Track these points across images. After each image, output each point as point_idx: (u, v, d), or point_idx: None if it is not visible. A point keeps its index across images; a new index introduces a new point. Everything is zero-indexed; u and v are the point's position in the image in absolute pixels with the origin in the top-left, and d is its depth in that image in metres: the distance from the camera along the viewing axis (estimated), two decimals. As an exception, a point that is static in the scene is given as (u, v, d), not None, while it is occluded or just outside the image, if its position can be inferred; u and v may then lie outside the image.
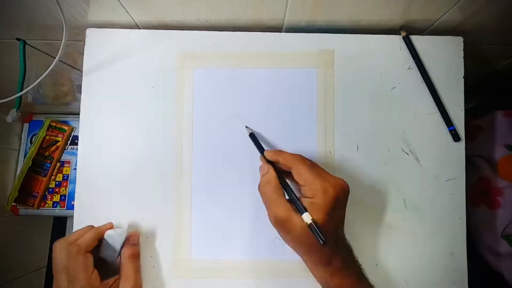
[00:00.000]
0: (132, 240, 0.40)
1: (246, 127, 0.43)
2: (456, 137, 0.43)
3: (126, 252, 0.39)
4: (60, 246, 0.37)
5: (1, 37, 0.47)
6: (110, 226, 0.40)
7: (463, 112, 0.44)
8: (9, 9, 0.42)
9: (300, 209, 0.33)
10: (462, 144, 0.43)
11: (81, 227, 0.41)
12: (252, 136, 0.41)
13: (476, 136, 0.58)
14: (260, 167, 0.38)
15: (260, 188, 0.37)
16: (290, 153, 0.37)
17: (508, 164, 0.53)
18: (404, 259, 0.42)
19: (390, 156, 0.43)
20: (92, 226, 0.40)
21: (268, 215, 0.35)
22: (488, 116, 0.57)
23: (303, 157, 0.37)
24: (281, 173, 0.37)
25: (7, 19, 0.44)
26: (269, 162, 0.38)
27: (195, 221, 0.42)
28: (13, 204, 0.81)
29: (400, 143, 0.44)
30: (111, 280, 0.38)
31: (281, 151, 0.38)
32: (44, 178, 0.82)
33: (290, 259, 0.42)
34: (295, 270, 0.41)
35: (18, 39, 0.46)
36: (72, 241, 0.37)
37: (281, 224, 0.34)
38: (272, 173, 0.36)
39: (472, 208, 0.56)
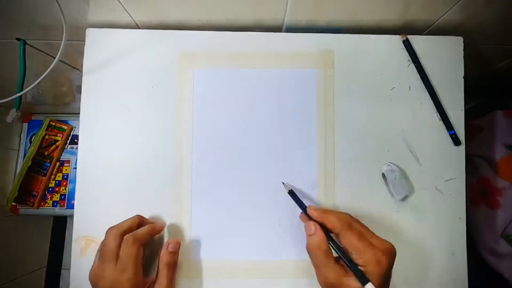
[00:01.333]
0: (172, 247, 0.38)
1: (283, 183, 0.42)
2: (456, 141, 0.43)
3: (164, 258, 0.38)
4: (114, 234, 0.36)
5: (1, 37, 0.47)
6: (162, 226, 0.40)
7: (463, 112, 0.44)
8: (9, 9, 0.41)
9: (362, 279, 0.32)
10: (462, 145, 0.43)
11: (81, 227, 0.42)
12: (292, 193, 0.40)
13: (476, 136, 0.58)
14: (305, 226, 0.36)
15: (308, 250, 0.35)
16: (337, 216, 0.35)
17: (508, 164, 0.53)
18: (404, 259, 0.42)
19: (390, 156, 0.43)
20: (140, 216, 0.40)
21: (317, 276, 0.34)
22: (488, 116, 0.57)
23: (350, 219, 0.35)
24: (328, 233, 0.35)
25: (7, 19, 0.44)
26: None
27: (195, 221, 0.42)
28: (13, 203, 0.81)
29: (400, 143, 0.44)
30: (149, 280, 0.37)
31: (326, 211, 0.36)
32: (44, 178, 0.82)
33: (291, 259, 0.42)
34: (295, 270, 0.41)
35: (18, 39, 0.46)
36: (127, 229, 0.37)
37: (328, 287, 0.33)
38: (320, 235, 0.35)
39: (472, 208, 0.56)
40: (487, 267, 0.54)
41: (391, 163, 0.42)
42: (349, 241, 0.33)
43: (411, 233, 0.43)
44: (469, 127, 0.47)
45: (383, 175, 0.42)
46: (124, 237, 0.36)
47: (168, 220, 0.42)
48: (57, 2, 0.36)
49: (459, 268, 0.42)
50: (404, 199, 0.42)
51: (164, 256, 0.38)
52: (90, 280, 0.36)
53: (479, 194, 0.56)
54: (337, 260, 0.34)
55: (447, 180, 0.43)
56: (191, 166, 0.43)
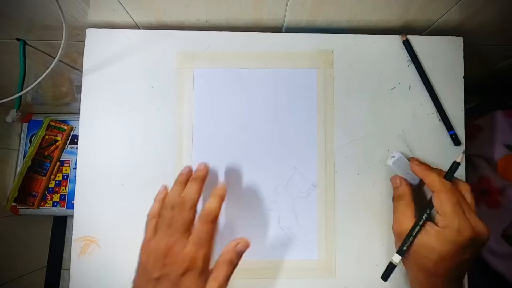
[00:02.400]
0: (241, 248, 0.35)
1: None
2: (456, 141, 0.43)
3: (228, 255, 0.34)
4: (189, 206, 0.35)
5: (1, 37, 0.47)
6: (225, 190, 0.37)
7: (463, 112, 0.44)
8: (9, 9, 0.41)
9: (401, 251, 0.35)
10: (462, 145, 0.43)
11: (81, 227, 0.41)
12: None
13: (476, 136, 0.58)
14: (391, 178, 0.41)
15: (393, 198, 0.40)
16: (439, 178, 0.36)
17: (508, 164, 0.53)
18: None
19: (400, 152, 0.43)
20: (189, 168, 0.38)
21: (393, 222, 0.38)
22: (488, 116, 0.57)
23: (456, 189, 0.36)
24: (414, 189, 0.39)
25: (7, 19, 0.44)
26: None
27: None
28: (13, 203, 0.81)
29: (400, 143, 0.44)
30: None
31: (429, 168, 0.38)
32: (43, 178, 0.82)
33: (291, 259, 0.42)
34: (295, 270, 0.41)
35: (18, 39, 0.46)
36: (197, 199, 0.35)
37: (399, 236, 0.36)
38: (405, 187, 0.39)
39: (472, 208, 0.56)
40: (487, 267, 0.54)
41: (393, 154, 0.42)
42: (441, 202, 0.34)
43: (411, 233, 0.42)
44: (469, 127, 0.47)
45: (390, 167, 0.42)
46: (202, 213, 0.35)
47: (168, 220, 0.42)
48: (57, 2, 0.36)
49: (459, 268, 0.42)
50: (420, 182, 0.41)
51: (228, 253, 0.35)
52: (145, 252, 0.34)
53: (479, 194, 0.56)
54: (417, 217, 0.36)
55: (447, 180, 0.43)
56: (191, 166, 0.43)
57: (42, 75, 0.40)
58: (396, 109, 0.44)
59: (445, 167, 0.43)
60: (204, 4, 0.41)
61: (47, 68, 0.39)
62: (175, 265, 0.32)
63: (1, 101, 0.40)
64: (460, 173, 0.43)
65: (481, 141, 0.57)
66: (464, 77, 0.44)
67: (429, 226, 0.35)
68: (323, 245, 0.42)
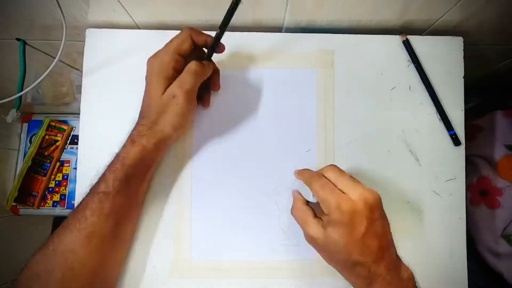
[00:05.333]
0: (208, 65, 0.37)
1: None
2: (456, 141, 0.43)
3: (192, 66, 0.35)
4: (165, 51, 0.36)
5: (1, 37, 0.47)
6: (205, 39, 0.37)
7: (463, 112, 0.44)
8: (9, 9, 0.41)
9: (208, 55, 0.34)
10: (462, 145, 0.43)
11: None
12: None
13: (476, 136, 0.58)
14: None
15: (292, 215, 0.38)
16: (311, 171, 0.37)
17: (508, 164, 0.53)
18: (404, 259, 0.42)
19: (390, 156, 0.43)
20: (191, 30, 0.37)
21: (304, 236, 0.36)
22: (488, 116, 0.57)
23: (326, 169, 0.35)
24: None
25: (7, 19, 0.44)
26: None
27: (195, 221, 0.42)
28: (13, 204, 0.81)
29: (400, 143, 0.44)
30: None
31: (306, 170, 0.39)
32: (44, 178, 0.82)
33: (291, 259, 0.42)
34: (295, 270, 0.41)
35: (18, 39, 0.46)
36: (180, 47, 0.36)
37: (314, 243, 0.34)
38: (295, 195, 0.38)
39: (472, 208, 0.56)
40: (487, 267, 0.54)
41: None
42: (315, 191, 0.34)
43: (411, 233, 0.42)
44: (469, 127, 0.47)
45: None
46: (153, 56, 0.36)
47: (168, 219, 0.42)
48: (57, 2, 0.36)
49: (459, 268, 0.42)
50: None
51: (193, 63, 0.36)
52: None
53: (479, 194, 0.56)
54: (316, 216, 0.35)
55: (447, 180, 0.43)
56: (191, 165, 0.43)
57: (42, 75, 0.40)
58: (396, 109, 0.44)
59: (445, 167, 0.43)
60: (204, 4, 0.41)
61: (47, 68, 0.39)
62: None
63: (1, 101, 0.40)
64: (460, 173, 0.43)
65: (481, 141, 0.57)
66: (464, 77, 0.44)
67: (323, 219, 0.34)
68: (323, 245, 0.42)
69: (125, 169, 0.35)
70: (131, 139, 0.36)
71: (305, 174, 0.38)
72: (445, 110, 0.43)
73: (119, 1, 0.40)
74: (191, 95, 0.36)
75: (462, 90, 0.44)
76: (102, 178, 0.35)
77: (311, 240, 0.34)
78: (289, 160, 0.43)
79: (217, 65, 0.41)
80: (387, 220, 0.34)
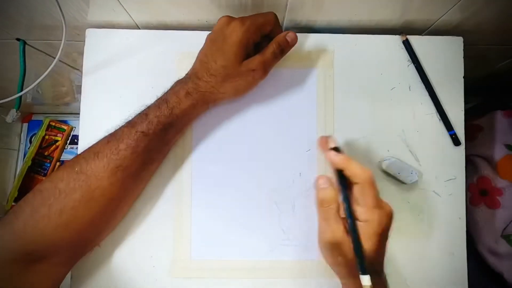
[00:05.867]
0: (284, 42, 0.39)
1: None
2: (456, 142, 0.43)
3: (272, 47, 0.38)
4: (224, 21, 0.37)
5: (1, 37, 0.47)
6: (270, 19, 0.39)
7: (463, 112, 0.44)
8: (9, 9, 0.41)
9: (362, 270, 0.31)
10: (462, 145, 0.43)
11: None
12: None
13: (476, 136, 0.58)
14: (316, 178, 0.36)
15: (319, 203, 0.35)
16: (360, 167, 0.33)
17: (508, 164, 0.53)
18: (404, 260, 0.42)
19: (390, 156, 0.43)
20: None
21: (322, 233, 0.34)
22: (488, 116, 0.57)
23: (373, 176, 0.34)
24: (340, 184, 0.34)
25: (7, 19, 0.44)
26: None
27: (195, 220, 0.42)
28: (13, 204, 0.81)
29: (400, 143, 0.44)
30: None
31: (350, 159, 0.34)
32: (43, 178, 0.82)
33: (291, 259, 0.42)
34: (295, 270, 0.41)
35: (18, 39, 0.46)
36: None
37: (326, 248, 0.33)
38: (331, 193, 0.34)
39: (472, 208, 0.56)
40: (487, 267, 0.54)
41: (386, 158, 0.42)
42: (366, 196, 0.33)
43: (411, 233, 0.42)
44: (469, 127, 0.47)
45: (385, 171, 0.42)
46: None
47: (168, 219, 0.42)
48: (57, 2, 0.36)
49: (459, 268, 0.42)
50: (417, 180, 0.42)
51: (280, 37, 0.38)
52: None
53: (479, 194, 0.56)
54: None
55: (447, 180, 0.43)
56: (191, 165, 0.43)
57: (42, 75, 0.40)
58: (396, 109, 0.44)
59: (445, 167, 0.43)
60: (204, 4, 0.41)
61: (47, 68, 0.39)
62: None
63: (1, 101, 0.40)
64: (460, 173, 0.43)
65: (481, 141, 0.57)
66: (464, 77, 0.44)
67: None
68: (323, 245, 0.42)
69: (172, 117, 0.36)
70: (187, 91, 0.37)
71: (354, 169, 0.33)
72: (445, 110, 0.43)
73: (119, 1, 0.40)
74: (266, 75, 0.39)
75: (462, 90, 0.44)
76: (145, 118, 0.36)
77: (332, 238, 0.33)
78: (289, 160, 0.43)
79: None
80: None
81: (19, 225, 0.32)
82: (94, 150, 0.35)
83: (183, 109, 0.37)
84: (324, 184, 0.35)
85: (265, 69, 0.38)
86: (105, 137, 0.36)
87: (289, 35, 0.39)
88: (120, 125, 0.37)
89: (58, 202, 0.33)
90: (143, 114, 0.36)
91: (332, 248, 0.33)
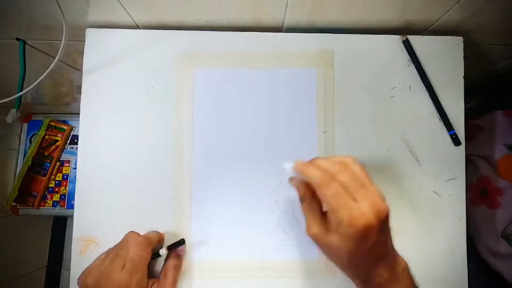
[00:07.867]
0: (180, 251, 0.41)
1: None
2: (456, 142, 0.43)
3: (172, 261, 0.40)
4: (135, 237, 0.38)
5: (1, 37, 0.47)
6: (163, 236, 0.42)
7: (463, 112, 0.44)
8: (9, 9, 0.41)
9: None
10: (462, 145, 0.43)
11: (81, 227, 0.42)
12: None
13: (476, 136, 0.58)
14: (288, 181, 0.37)
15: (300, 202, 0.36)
16: (319, 169, 0.31)
17: (508, 164, 0.53)
18: (404, 258, 0.42)
19: (390, 156, 0.43)
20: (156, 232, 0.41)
21: (305, 227, 0.34)
22: (488, 116, 0.57)
23: (339, 168, 0.31)
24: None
25: (7, 19, 0.44)
26: None
27: (195, 221, 0.42)
28: (13, 204, 0.81)
29: (400, 143, 0.44)
30: (151, 281, 0.38)
31: (309, 163, 0.33)
32: (43, 178, 0.82)
33: (291, 259, 0.42)
34: (295, 270, 0.41)
35: (18, 39, 0.46)
36: (144, 236, 0.39)
37: (313, 240, 0.33)
38: (300, 187, 0.35)
39: (472, 208, 0.56)
40: (487, 267, 0.54)
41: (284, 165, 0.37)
42: (324, 197, 0.30)
43: (411, 233, 0.42)
44: (469, 127, 0.46)
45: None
46: (141, 241, 0.37)
47: (168, 219, 0.42)
48: (57, 2, 0.36)
49: (459, 268, 0.42)
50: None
51: (172, 259, 0.40)
52: (84, 279, 0.36)
53: (479, 194, 0.56)
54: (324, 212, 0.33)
55: (447, 180, 0.43)
56: (191, 165, 0.43)
57: (42, 75, 0.39)
58: (396, 109, 0.44)
59: (445, 167, 0.43)
60: (204, 4, 0.41)
61: (47, 68, 0.39)
62: None
63: (1, 101, 0.40)
64: (460, 173, 0.43)
65: (481, 141, 0.57)
66: (464, 77, 0.44)
67: (327, 222, 0.32)
68: (323, 245, 0.42)
69: None
70: None
71: (310, 172, 0.32)
72: (445, 110, 0.43)
73: (119, 1, 0.40)
74: None
75: (462, 90, 0.44)
76: None
77: (310, 236, 0.33)
78: (289, 160, 0.43)
79: (216, 64, 0.41)
80: (390, 224, 0.34)
81: None
82: None
83: None
84: (293, 185, 0.36)
85: None
86: None
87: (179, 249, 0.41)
88: None
89: None
90: None
91: (316, 243, 0.33)
